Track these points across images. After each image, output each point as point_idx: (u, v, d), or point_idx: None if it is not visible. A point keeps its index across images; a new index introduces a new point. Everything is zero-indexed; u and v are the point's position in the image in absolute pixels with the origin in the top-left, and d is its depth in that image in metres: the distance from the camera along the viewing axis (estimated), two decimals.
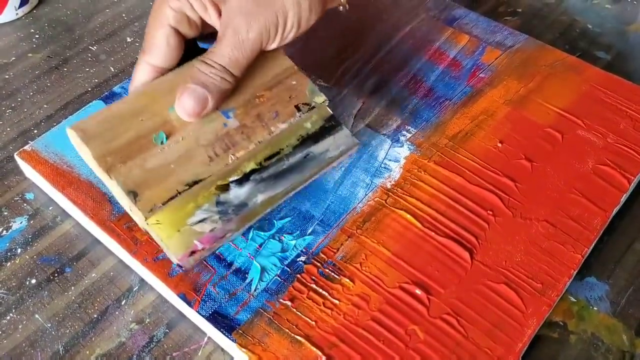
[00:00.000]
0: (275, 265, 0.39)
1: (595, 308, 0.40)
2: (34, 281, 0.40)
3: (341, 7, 0.40)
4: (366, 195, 0.42)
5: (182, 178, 0.35)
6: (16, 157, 0.44)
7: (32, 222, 0.42)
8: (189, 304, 0.37)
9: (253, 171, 0.37)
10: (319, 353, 0.35)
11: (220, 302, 0.37)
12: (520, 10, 0.59)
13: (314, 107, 0.39)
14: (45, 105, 0.50)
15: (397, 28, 0.54)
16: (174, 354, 0.37)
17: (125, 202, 0.36)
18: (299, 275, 0.38)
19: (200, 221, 0.36)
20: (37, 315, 0.38)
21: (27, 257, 0.41)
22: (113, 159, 0.35)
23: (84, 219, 0.41)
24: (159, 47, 0.36)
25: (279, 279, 0.38)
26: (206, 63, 0.36)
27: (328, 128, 0.40)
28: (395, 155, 0.45)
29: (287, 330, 0.36)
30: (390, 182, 0.43)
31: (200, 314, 0.37)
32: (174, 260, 0.35)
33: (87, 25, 0.57)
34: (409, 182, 0.43)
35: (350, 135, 0.40)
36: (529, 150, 0.45)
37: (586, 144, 0.45)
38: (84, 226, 0.42)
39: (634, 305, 0.40)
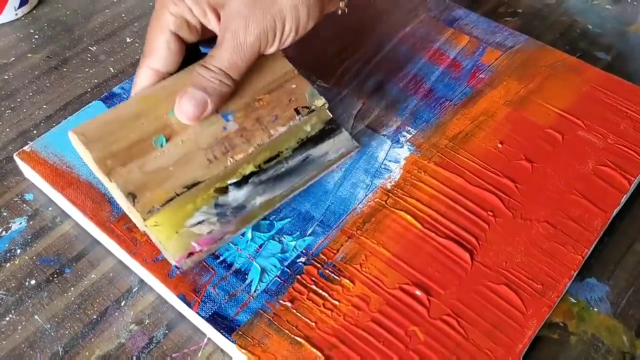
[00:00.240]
0: (275, 266, 0.39)
1: (595, 309, 0.40)
2: (33, 282, 0.40)
3: (340, 12, 0.40)
4: (366, 196, 0.42)
5: (181, 180, 0.36)
6: (15, 158, 0.44)
7: (31, 222, 0.42)
8: (188, 305, 0.37)
9: (252, 174, 0.38)
10: (319, 354, 0.35)
11: (220, 303, 0.37)
12: (520, 10, 0.59)
13: (313, 110, 0.39)
14: (44, 106, 0.50)
15: (397, 28, 0.54)
16: (174, 355, 0.37)
17: (124, 204, 0.36)
18: (299, 276, 0.38)
19: (198, 223, 0.36)
20: (36, 316, 0.38)
21: (27, 257, 0.41)
22: (113, 161, 0.35)
23: (83, 219, 0.41)
24: (159, 52, 0.37)
25: (278, 280, 0.38)
26: (205, 67, 0.36)
27: (328, 131, 0.40)
28: (395, 156, 0.45)
29: (287, 331, 0.36)
30: (390, 182, 0.43)
31: (200, 315, 0.37)
32: (172, 261, 0.36)
33: (86, 25, 0.57)
34: (409, 182, 0.43)
35: (350, 138, 0.40)
36: (529, 151, 0.45)
37: (586, 144, 0.45)
38: (83, 227, 0.42)
39: (634, 306, 0.40)
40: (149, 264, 0.38)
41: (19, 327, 0.38)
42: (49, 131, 0.45)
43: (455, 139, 0.46)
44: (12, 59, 0.53)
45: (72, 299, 0.39)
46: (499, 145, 0.45)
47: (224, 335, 0.36)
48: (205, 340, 0.38)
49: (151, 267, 0.38)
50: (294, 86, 0.40)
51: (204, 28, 0.38)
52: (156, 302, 0.39)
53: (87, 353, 0.37)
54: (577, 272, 0.39)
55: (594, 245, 0.41)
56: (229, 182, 0.37)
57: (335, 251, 0.40)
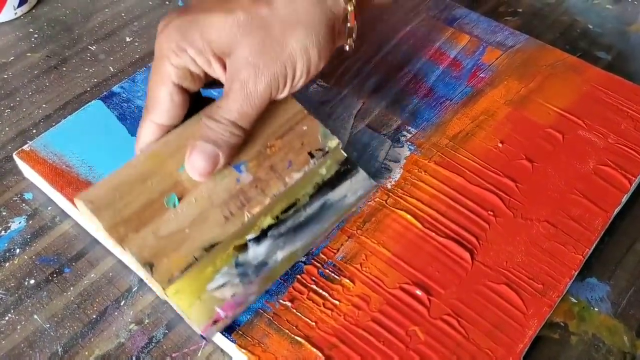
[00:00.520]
0: None
1: (596, 309, 0.40)
2: (32, 281, 0.39)
3: (347, 47, 0.38)
4: None
5: (198, 242, 0.34)
6: (15, 157, 0.44)
7: (30, 222, 0.42)
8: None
9: (270, 226, 0.36)
10: (319, 354, 0.35)
11: None
12: (520, 10, 0.59)
13: (327, 152, 0.38)
14: (44, 105, 0.50)
15: (398, 28, 0.53)
16: (174, 355, 0.37)
17: (141, 272, 0.34)
18: (298, 276, 0.38)
19: (220, 286, 0.34)
20: (35, 316, 0.38)
21: (26, 257, 0.41)
22: (125, 228, 0.33)
23: (82, 219, 0.41)
24: (163, 105, 0.35)
25: (278, 279, 0.38)
26: (213, 119, 0.34)
27: (344, 172, 0.38)
28: (395, 156, 0.45)
29: (287, 331, 0.36)
30: (390, 182, 0.43)
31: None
32: (198, 331, 0.34)
33: (86, 24, 0.56)
34: (409, 182, 0.43)
35: (367, 177, 0.39)
36: (529, 150, 0.45)
37: (587, 144, 0.45)
38: (82, 226, 0.42)
39: (635, 306, 0.40)
40: None
41: (19, 327, 0.38)
42: (48, 130, 0.45)
43: (456, 139, 0.46)
44: (12, 58, 0.53)
45: (72, 298, 0.39)
46: (500, 145, 0.45)
47: (223, 334, 0.36)
48: (205, 340, 0.37)
49: None
50: (305, 128, 0.38)
51: (207, 75, 0.36)
52: (156, 302, 0.39)
53: (86, 353, 0.37)
54: (577, 271, 0.39)
55: (594, 245, 0.41)
56: (248, 237, 0.35)
57: (335, 251, 0.40)
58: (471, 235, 0.40)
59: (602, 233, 0.41)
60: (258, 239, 0.36)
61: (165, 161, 0.35)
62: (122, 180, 0.34)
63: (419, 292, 0.38)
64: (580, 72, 0.50)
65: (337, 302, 0.37)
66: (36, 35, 0.55)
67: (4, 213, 0.43)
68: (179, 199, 0.34)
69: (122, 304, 0.39)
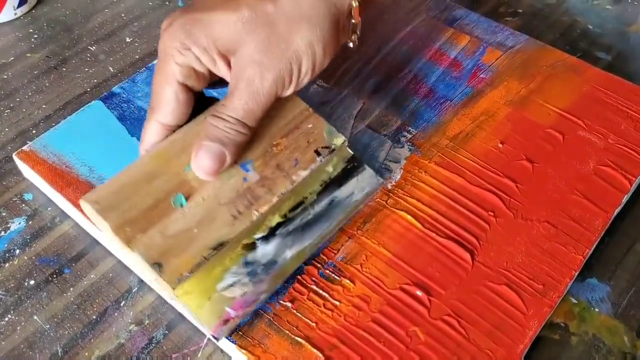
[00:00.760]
0: None
1: (596, 309, 0.39)
2: (32, 282, 0.39)
3: (351, 44, 0.38)
4: None
5: (206, 242, 0.33)
6: (15, 158, 0.44)
7: (30, 222, 0.42)
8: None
9: (279, 225, 0.36)
10: (320, 354, 0.35)
11: None
12: (520, 10, 0.59)
13: (333, 150, 0.38)
14: (44, 106, 0.50)
15: (398, 28, 0.53)
16: (174, 356, 0.37)
17: (148, 274, 0.34)
18: (299, 277, 0.38)
19: (230, 285, 0.34)
20: (35, 317, 0.38)
21: (26, 258, 0.40)
22: (132, 229, 0.32)
23: (82, 219, 0.41)
24: (168, 105, 0.35)
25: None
26: (219, 117, 0.34)
27: (350, 170, 0.38)
28: (395, 156, 0.44)
29: (287, 332, 0.36)
30: (390, 182, 0.43)
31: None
32: (208, 332, 0.34)
33: (86, 25, 0.56)
34: (409, 182, 0.43)
35: (374, 175, 0.39)
36: (529, 151, 0.45)
37: (587, 144, 0.45)
38: (82, 227, 0.42)
39: (635, 307, 0.40)
40: None
41: (18, 328, 0.38)
42: (48, 131, 0.45)
43: (456, 139, 0.46)
44: (11, 58, 0.53)
45: (72, 299, 0.39)
46: (500, 145, 0.45)
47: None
48: (205, 340, 0.37)
49: None
50: (310, 126, 0.38)
51: (212, 74, 0.35)
52: (156, 303, 0.39)
53: (86, 353, 0.37)
54: (578, 272, 0.39)
55: (594, 246, 0.41)
56: (256, 236, 0.35)
57: (335, 251, 0.39)
58: (471, 235, 0.40)
59: (603, 233, 0.41)
60: (266, 238, 0.35)
61: (171, 161, 0.35)
62: (128, 180, 0.34)
63: (419, 293, 0.38)
64: (580, 73, 0.50)
65: (337, 303, 0.37)
66: (36, 36, 0.55)
67: (4, 213, 0.43)
68: (186, 199, 0.34)
69: (122, 304, 0.39)
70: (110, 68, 0.53)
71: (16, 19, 0.56)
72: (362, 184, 0.38)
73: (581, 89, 0.49)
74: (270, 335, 0.36)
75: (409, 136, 0.46)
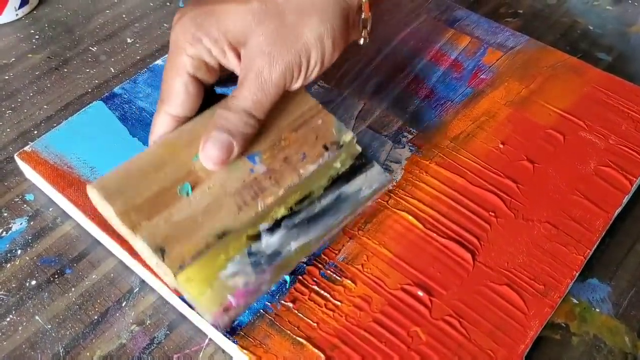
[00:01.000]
0: None
1: (597, 310, 0.40)
2: (34, 282, 0.39)
3: (362, 41, 0.38)
4: None
5: (210, 230, 0.34)
6: (16, 158, 0.44)
7: (32, 223, 0.42)
8: (190, 305, 0.37)
9: (284, 217, 0.36)
10: (321, 355, 0.35)
11: None
12: (521, 11, 0.59)
13: (342, 146, 0.38)
14: (45, 106, 0.50)
15: (399, 29, 0.53)
16: (175, 356, 0.37)
17: (152, 260, 0.34)
18: (300, 277, 0.38)
19: (233, 275, 0.34)
20: (37, 317, 0.38)
21: (27, 258, 0.41)
22: (137, 215, 0.33)
23: (84, 220, 0.41)
24: (178, 96, 0.35)
25: (280, 280, 0.38)
26: (228, 109, 0.34)
27: (359, 166, 0.38)
28: (396, 157, 0.45)
29: (288, 332, 0.36)
30: (391, 183, 0.43)
31: (201, 315, 0.36)
32: (208, 319, 0.33)
33: (87, 26, 0.56)
34: (410, 183, 0.43)
35: (382, 172, 0.39)
36: (530, 151, 0.45)
37: (588, 145, 0.45)
38: (84, 227, 0.42)
39: (636, 307, 0.40)
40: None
41: (20, 328, 0.38)
42: (49, 131, 0.45)
43: (457, 140, 0.46)
44: (13, 59, 0.53)
45: (73, 299, 0.39)
46: (501, 146, 0.45)
47: (225, 335, 0.36)
48: (207, 340, 0.37)
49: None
50: (319, 122, 0.38)
51: (221, 68, 0.36)
52: (157, 303, 0.39)
53: (88, 353, 0.37)
54: (579, 272, 0.39)
55: (595, 246, 0.41)
56: (261, 227, 0.35)
57: (336, 251, 0.40)
58: (472, 236, 0.40)
59: (603, 234, 0.41)
60: (271, 229, 0.35)
61: (179, 151, 0.35)
62: (135, 168, 0.34)
63: (420, 293, 0.38)
64: (581, 73, 0.50)
65: (338, 303, 0.37)
66: (37, 37, 0.55)
67: (5, 214, 0.43)
68: (192, 188, 0.34)
69: (123, 304, 0.39)
70: (112, 69, 0.53)
71: (17, 19, 0.57)
72: (370, 180, 0.38)
73: (582, 89, 0.49)
74: (271, 336, 0.36)
75: (410, 137, 0.46)
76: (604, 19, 0.59)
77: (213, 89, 0.38)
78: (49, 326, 0.38)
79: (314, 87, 0.49)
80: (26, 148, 0.44)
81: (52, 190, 0.42)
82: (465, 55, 0.51)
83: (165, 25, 0.56)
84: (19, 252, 0.41)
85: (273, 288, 0.38)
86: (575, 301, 0.40)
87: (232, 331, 0.36)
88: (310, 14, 0.34)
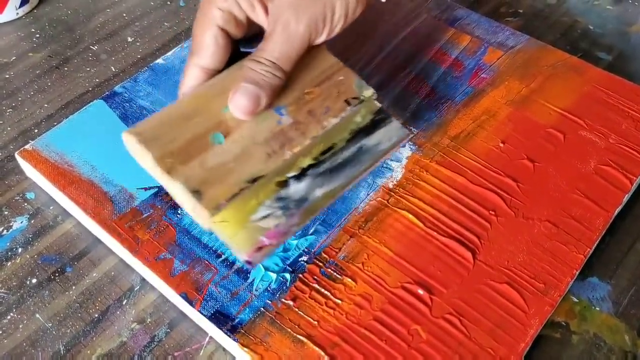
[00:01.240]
0: (277, 265, 0.39)
1: (597, 308, 0.40)
2: (34, 281, 0.39)
3: None
4: (368, 195, 0.42)
5: (243, 175, 0.35)
6: (17, 157, 0.44)
7: (32, 221, 0.42)
8: (190, 303, 0.37)
9: (310, 166, 0.37)
10: (321, 353, 0.35)
11: (222, 301, 0.37)
12: (521, 11, 0.60)
13: (362, 101, 0.39)
14: (45, 105, 0.50)
15: (399, 28, 0.54)
16: (176, 354, 0.37)
17: (188, 203, 0.35)
18: (301, 275, 0.38)
19: (264, 217, 0.35)
20: (37, 315, 0.38)
21: (28, 256, 0.41)
22: (173, 160, 0.34)
23: (85, 218, 0.41)
24: (208, 48, 0.36)
25: (280, 278, 0.38)
26: (256, 60, 0.36)
27: (378, 121, 0.40)
28: (397, 155, 0.45)
29: (289, 330, 0.36)
30: (392, 182, 0.43)
31: (202, 313, 0.36)
32: (242, 257, 0.35)
33: (87, 24, 0.56)
34: (410, 182, 0.43)
35: (401, 127, 0.40)
36: (531, 150, 0.45)
37: (588, 144, 0.45)
38: (84, 225, 0.42)
39: (636, 306, 0.40)
40: (150, 263, 0.38)
41: (21, 326, 0.38)
42: (50, 130, 0.45)
43: (457, 139, 0.46)
44: (13, 58, 0.53)
45: (74, 297, 0.39)
46: (501, 145, 0.45)
47: (226, 333, 0.36)
48: (207, 338, 0.37)
49: (153, 266, 0.38)
50: (341, 78, 0.39)
51: (249, 23, 0.37)
52: (158, 301, 0.39)
53: (88, 352, 0.37)
54: (579, 271, 0.39)
55: (595, 245, 0.41)
56: (288, 175, 0.37)
57: (337, 250, 0.40)
58: (473, 234, 0.40)
59: (603, 232, 0.41)
60: (298, 177, 0.37)
61: (209, 102, 0.36)
62: (169, 118, 0.36)
63: (420, 291, 0.38)
64: (581, 73, 0.50)
65: (339, 301, 0.37)
66: (38, 35, 0.55)
67: (6, 212, 0.43)
68: (224, 137, 0.36)
69: (124, 303, 0.39)
70: (112, 67, 0.53)
71: (18, 18, 0.57)
72: (389, 134, 0.40)
73: (582, 88, 0.49)
74: (272, 334, 0.36)
75: (411, 135, 0.46)
76: (604, 18, 0.59)
77: (238, 47, 0.39)
78: (50, 324, 0.38)
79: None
80: (27, 146, 0.44)
81: (53, 189, 0.42)
82: (466, 54, 0.52)
83: (165, 24, 0.56)
84: (19, 250, 0.41)
85: (274, 286, 0.38)
86: (575, 300, 0.40)
87: (232, 329, 0.36)
88: None
